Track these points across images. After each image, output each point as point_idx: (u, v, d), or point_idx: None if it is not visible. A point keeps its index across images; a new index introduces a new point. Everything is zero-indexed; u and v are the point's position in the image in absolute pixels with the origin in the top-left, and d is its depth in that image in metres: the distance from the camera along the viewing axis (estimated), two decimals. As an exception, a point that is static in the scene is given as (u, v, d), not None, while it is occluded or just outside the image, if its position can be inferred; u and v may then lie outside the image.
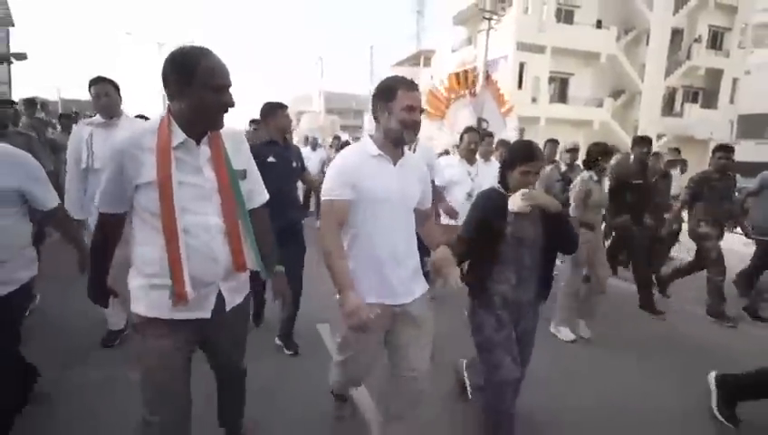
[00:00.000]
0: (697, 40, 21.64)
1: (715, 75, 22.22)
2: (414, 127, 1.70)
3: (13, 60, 8.48)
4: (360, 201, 1.68)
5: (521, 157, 1.99)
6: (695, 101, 22.85)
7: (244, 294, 1.63)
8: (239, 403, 1.90)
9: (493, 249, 2.02)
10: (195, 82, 1.33)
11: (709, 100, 22.68)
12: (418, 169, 1.87)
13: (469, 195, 3.55)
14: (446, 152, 4.89)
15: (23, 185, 1.81)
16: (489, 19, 15.17)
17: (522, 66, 19.07)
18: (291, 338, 3.05)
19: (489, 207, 2.05)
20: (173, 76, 1.33)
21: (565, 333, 3.56)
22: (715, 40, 22.39)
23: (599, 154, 3.49)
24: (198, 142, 1.42)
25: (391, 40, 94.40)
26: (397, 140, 1.72)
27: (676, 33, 21.96)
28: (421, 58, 27.38)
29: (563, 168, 4.62)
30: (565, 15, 20.10)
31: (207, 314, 1.48)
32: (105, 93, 2.71)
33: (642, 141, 4.29)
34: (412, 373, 1.80)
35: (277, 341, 3.08)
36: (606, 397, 2.70)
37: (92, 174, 2.67)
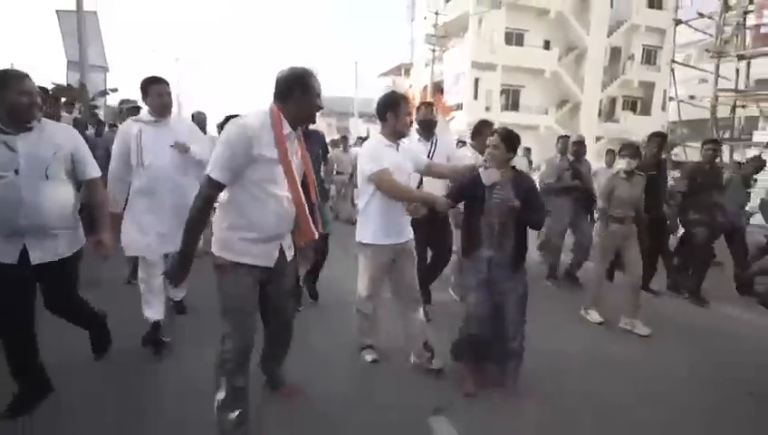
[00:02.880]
0: (631, 57, 25.49)
1: (648, 87, 26.01)
2: (408, 128, 2.75)
3: (109, 92, 10.27)
4: None
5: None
6: (633, 109, 26.62)
7: (293, 252, 2.11)
8: (284, 352, 2.32)
9: (477, 218, 2.52)
10: (309, 91, 1.87)
11: (645, 108, 26.47)
12: (409, 152, 2.74)
13: None
14: (463, 143, 5.18)
15: (75, 151, 2.14)
16: (433, 51, 19.03)
17: (476, 81, 22.95)
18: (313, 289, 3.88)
19: (468, 180, 2.55)
20: (296, 87, 1.85)
21: (593, 316, 3.79)
22: (649, 57, 26.17)
23: (629, 154, 3.65)
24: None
25: (384, 45, 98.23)
26: (400, 135, 2.63)
27: (616, 51, 25.84)
28: (402, 70, 31.33)
29: (571, 159, 4.88)
30: (516, 37, 23.97)
31: (272, 264, 1.94)
32: (166, 93, 2.81)
33: (655, 137, 4.48)
34: (411, 282, 2.72)
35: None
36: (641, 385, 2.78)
37: (142, 170, 2.74)
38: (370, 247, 2.63)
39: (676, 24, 16.95)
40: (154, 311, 2.82)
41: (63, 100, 6.40)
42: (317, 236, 2.03)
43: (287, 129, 1.86)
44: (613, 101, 26.39)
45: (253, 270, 1.88)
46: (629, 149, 3.70)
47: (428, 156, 3.24)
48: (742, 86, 9.33)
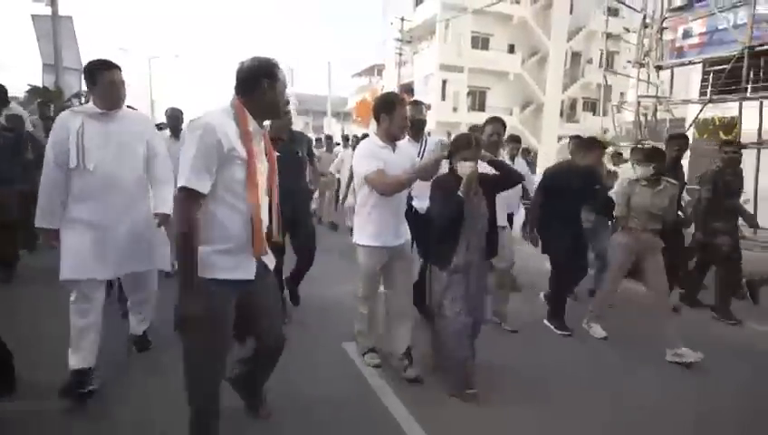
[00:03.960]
0: (590, 61, 26.96)
1: (607, 89, 27.52)
2: (403, 132, 2.62)
3: (83, 93, 9.21)
4: None
5: (462, 145, 2.49)
6: (592, 110, 28.14)
7: (274, 261, 1.94)
8: (269, 373, 2.08)
9: (454, 229, 2.49)
10: (276, 82, 1.74)
11: (604, 109, 28.03)
12: (406, 152, 2.74)
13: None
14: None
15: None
16: (400, 54, 19.94)
17: (444, 83, 23.99)
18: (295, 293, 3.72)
19: (448, 197, 2.46)
20: (261, 78, 1.71)
21: (596, 330, 3.56)
22: (609, 61, 27.71)
23: (648, 158, 3.34)
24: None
25: (359, 46, 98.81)
26: (394, 138, 2.57)
27: (576, 55, 27.29)
28: (375, 70, 32.15)
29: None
30: (482, 41, 25.09)
31: (252, 276, 1.74)
32: (119, 81, 2.30)
33: (675, 138, 4.14)
34: (403, 288, 2.70)
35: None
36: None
37: (84, 174, 2.21)
38: (365, 249, 2.62)
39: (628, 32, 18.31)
40: (82, 356, 2.25)
41: (39, 101, 6.83)
42: (278, 239, 1.92)
43: (252, 124, 1.72)
44: (574, 102, 27.86)
45: (229, 285, 1.68)
46: (640, 152, 3.45)
47: (419, 156, 3.17)
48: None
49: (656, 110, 10.37)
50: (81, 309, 2.27)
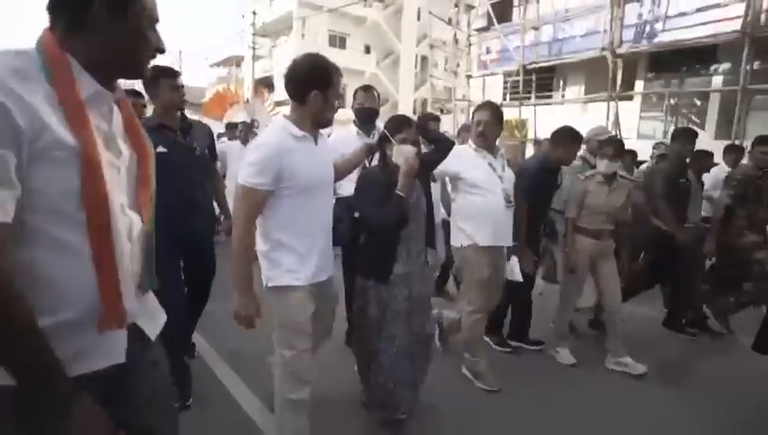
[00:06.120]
0: (435, 65, 30.23)
1: (449, 91, 31.28)
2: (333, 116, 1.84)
3: None
4: None
5: (399, 125, 2.05)
6: (441, 110, 31.60)
7: (161, 323, 1.13)
8: None
9: (395, 235, 2.05)
10: (134, 7, 0.90)
11: (448, 109, 31.74)
12: (334, 147, 2.19)
13: (508, 200, 2.74)
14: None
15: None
16: (253, 49, 20.05)
17: (303, 79, 24.61)
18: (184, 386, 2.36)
19: (384, 197, 1.94)
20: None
21: (564, 356, 3.14)
22: (454, 65, 31.45)
23: (619, 154, 3.04)
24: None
25: (216, 36, 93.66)
26: (322, 124, 1.83)
27: (425, 59, 30.32)
28: (234, 61, 31.11)
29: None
30: (340, 41, 26.26)
31: (122, 358, 0.98)
32: None
33: (684, 133, 3.65)
34: (326, 332, 2.10)
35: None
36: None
37: None
38: (282, 293, 1.80)
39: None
40: None
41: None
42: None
43: (90, 86, 0.90)
44: (424, 102, 30.93)
45: (85, 383, 0.90)
46: (611, 146, 3.04)
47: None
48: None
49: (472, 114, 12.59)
50: None
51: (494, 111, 2.78)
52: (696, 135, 3.59)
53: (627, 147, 3.68)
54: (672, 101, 10.51)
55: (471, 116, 3.31)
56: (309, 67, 1.75)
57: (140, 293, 1.05)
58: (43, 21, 0.91)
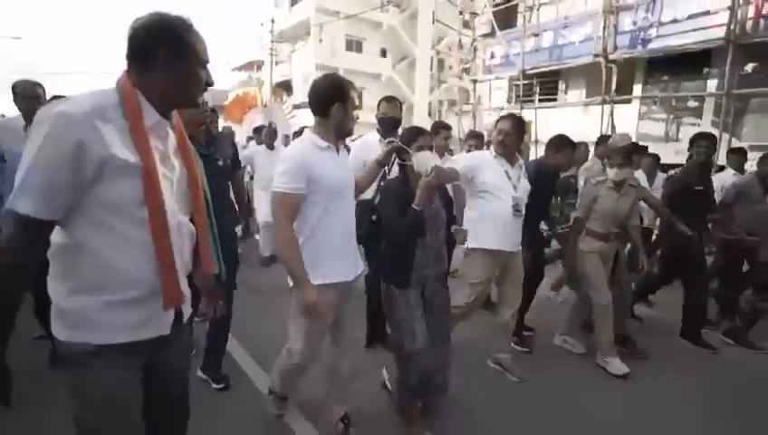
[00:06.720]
0: (451, 68, 30.76)
1: (463, 93, 31.72)
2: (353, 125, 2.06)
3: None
4: None
5: (414, 134, 2.17)
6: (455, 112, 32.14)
7: (190, 308, 1.39)
8: None
9: (413, 242, 2.14)
10: (189, 54, 1.16)
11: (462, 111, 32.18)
12: (358, 156, 2.47)
13: (516, 208, 2.82)
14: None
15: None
16: (271, 55, 20.95)
17: (321, 82, 25.50)
18: (219, 370, 2.68)
19: (402, 209, 2.07)
20: (164, 45, 1.13)
21: (615, 365, 3.13)
22: (468, 68, 31.89)
23: (628, 162, 3.12)
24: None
25: (239, 40, 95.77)
26: (344, 135, 2.08)
27: (441, 61, 30.88)
28: (255, 66, 32.33)
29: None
30: (356, 45, 27.11)
31: (168, 330, 1.24)
32: None
33: (701, 138, 3.59)
34: (346, 335, 2.24)
35: (200, 374, 2.69)
36: None
37: None
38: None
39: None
40: None
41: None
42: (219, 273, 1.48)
43: (153, 116, 1.16)
44: (440, 103, 31.47)
45: (133, 352, 1.17)
46: (619, 154, 3.15)
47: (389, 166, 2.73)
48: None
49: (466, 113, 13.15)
50: None
51: (516, 122, 2.92)
52: (714, 139, 3.60)
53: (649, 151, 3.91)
54: (672, 103, 10.81)
55: (473, 122, 3.82)
56: (328, 84, 2.01)
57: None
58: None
